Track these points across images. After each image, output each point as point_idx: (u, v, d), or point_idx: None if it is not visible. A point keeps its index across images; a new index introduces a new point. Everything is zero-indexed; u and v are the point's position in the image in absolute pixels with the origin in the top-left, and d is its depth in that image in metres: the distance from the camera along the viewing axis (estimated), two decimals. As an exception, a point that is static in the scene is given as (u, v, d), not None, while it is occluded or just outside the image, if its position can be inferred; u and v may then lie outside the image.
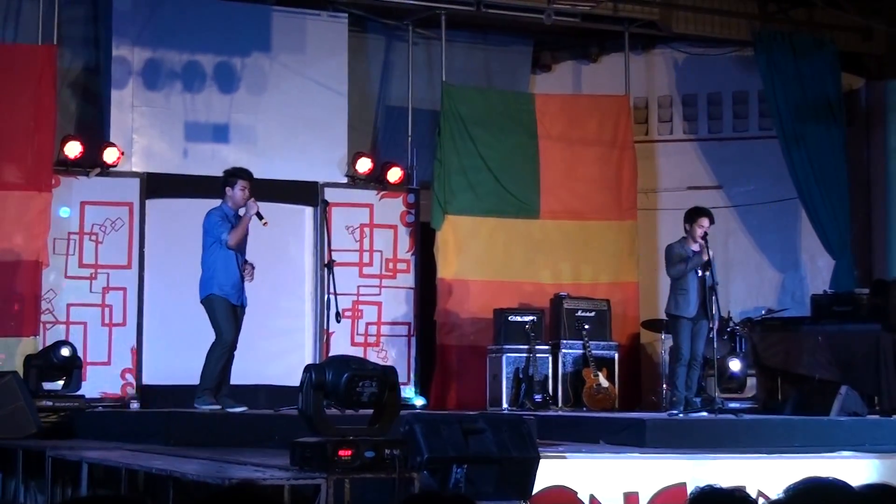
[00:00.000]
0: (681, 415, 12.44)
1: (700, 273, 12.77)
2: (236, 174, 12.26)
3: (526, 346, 14.92)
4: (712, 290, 12.74)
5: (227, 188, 12.18)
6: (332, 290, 12.37)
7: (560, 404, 14.91)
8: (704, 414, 12.55)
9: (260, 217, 12.01)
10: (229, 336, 11.98)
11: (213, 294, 12.01)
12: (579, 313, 15.31)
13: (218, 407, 11.81)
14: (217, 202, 12.28)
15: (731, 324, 15.12)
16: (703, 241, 12.84)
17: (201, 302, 12.09)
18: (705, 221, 12.91)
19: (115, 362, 14.45)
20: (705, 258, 12.72)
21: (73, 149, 14.30)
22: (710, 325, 12.86)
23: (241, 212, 12.08)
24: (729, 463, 10.17)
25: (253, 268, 12.15)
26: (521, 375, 14.87)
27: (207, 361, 12.01)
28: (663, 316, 14.82)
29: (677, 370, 12.97)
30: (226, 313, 11.98)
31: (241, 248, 12.13)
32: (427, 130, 16.29)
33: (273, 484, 7.63)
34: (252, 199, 12.06)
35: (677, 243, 13.09)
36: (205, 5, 15.29)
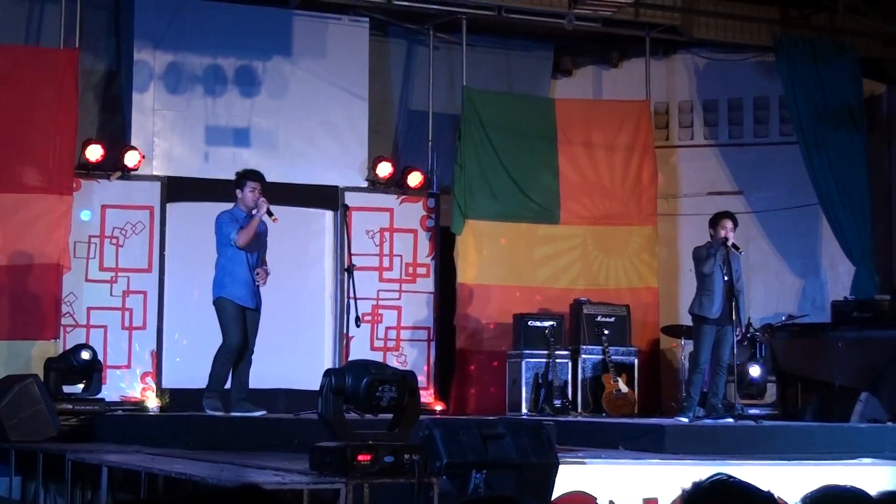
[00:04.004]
0: (688, 421, 12.42)
1: (726, 277, 12.69)
2: (246, 175, 12.28)
3: (545, 352, 14.90)
4: (734, 296, 12.68)
5: (238, 190, 12.21)
6: (351, 294, 12.36)
7: (579, 410, 14.89)
8: (730, 420, 12.50)
9: (270, 214, 12.03)
10: (234, 340, 11.96)
11: (223, 297, 12.03)
12: (599, 318, 15.29)
13: (222, 413, 11.83)
14: (238, 206, 12.33)
15: (752, 330, 15.08)
16: (732, 248, 12.74)
17: (213, 303, 12.14)
18: (728, 223, 12.81)
19: (135, 366, 14.49)
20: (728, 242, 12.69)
21: (94, 152, 14.35)
22: (736, 332, 12.79)
23: (255, 213, 12.10)
24: (748, 469, 10.13)
25: (267, 273, 12.12)
26: (540, 380, 14.86)
27: (214, 364, 12.03)
28: (683, 321, 14.83)
29: (693, 377, 12.91)
30: (233, 317, 11.98)
31: (254, 249, 12.13)
32: (448, 135, 16.29)
33: (292, 488, 7.64)
34: (262, 198, 12.07)
35: (702, 246, 13.03)
36: (226, 9, 15.31)
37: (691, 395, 12.84)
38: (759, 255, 16.88)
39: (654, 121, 17.00)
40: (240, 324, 11.98)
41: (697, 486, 4.04)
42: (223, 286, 12.03)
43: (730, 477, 4.08)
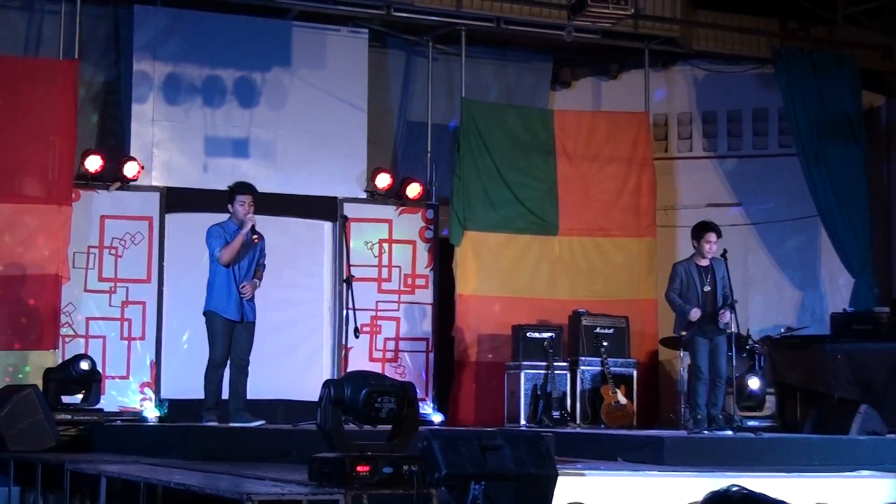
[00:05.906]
0: (706, 433, 12.38)
1: (707, 288, 12.73)
2: (235, 190, 12.24)
3: (544, 363, 14.90)
4: (731, 307, 12.66)
5: (229, 204, 12.19)
6: (350, 305, 12.36)
7: (578, 421, 14.87)
8: (729, 431, 12.48)
9: (254, 233, 11.98)
10: (216, 356, 11.96)
11: (209, 310, 12.02)
12: (598, 330, 15.29)
13: (214, 423, 11.85)
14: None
15: (751, 341, 15.07)
16: (721, 258, 12.75)
17: (203, 314, 12.16)
18: (712, 236, 12.82)
19: (134, 376, 14.49)
20: (695, 318, 12.66)
21: (93, 163, 14.36)
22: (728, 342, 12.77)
23: (241, 229, 12.06)
24: (747, 481, 10.10)
25: (255, 286, 12.07)
26: (539, 392, 14.85)
27: (204, 382, 12.07)
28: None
29: (697, 388, 12.85)
30: (219, 331, 11.95)
31: (243, 263, 12.08)
32: (446, 146, 16.31)
33: (291, 499, 7.63)
34: (251, 214, 12.02)
35: (683, 263, 13.05)
36: (225, 20, 15.33)
37: (700, 407, 12.77)
38: (759, 267, 16.88)
39: (653, 132, 17.01)
40: (225, 338, 11.96)
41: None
42: (211, 299, 12.05)
43: (743, 488, 4.06)
